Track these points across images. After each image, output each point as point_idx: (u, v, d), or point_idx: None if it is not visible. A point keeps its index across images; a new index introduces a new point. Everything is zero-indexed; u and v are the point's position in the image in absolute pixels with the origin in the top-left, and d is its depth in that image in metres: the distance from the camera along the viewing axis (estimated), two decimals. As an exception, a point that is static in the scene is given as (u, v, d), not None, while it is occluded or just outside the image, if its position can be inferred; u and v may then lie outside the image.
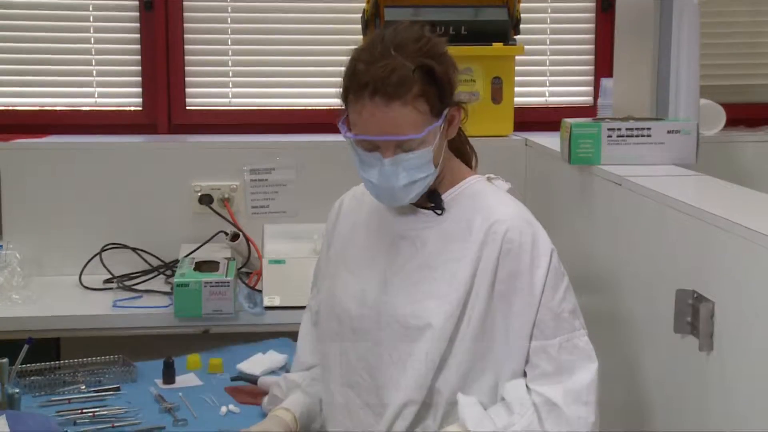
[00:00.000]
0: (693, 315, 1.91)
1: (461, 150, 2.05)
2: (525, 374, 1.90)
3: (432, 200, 1.94)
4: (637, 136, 2.53)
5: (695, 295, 1.91)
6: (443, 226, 1.93)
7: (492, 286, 1.88)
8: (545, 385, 1.86)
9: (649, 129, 2.53)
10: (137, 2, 3.47)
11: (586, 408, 1.85)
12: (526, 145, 3.29)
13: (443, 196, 1.95)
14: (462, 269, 1.89)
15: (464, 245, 1.90)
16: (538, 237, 1.90)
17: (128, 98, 3.50)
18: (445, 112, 1.87)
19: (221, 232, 3.17)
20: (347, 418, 2.00)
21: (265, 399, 2.31)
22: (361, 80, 1.81)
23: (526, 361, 1.89)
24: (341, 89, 1.87)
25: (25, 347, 2.26)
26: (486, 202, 1.94)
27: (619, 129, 2.53)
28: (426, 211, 1.95)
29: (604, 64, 3.54)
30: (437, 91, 1.84)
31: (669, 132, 2.53)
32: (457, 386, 1.89)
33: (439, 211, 1.94)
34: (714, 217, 1.89)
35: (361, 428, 1.97)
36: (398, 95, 1.80)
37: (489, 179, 2.03)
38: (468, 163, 2.06)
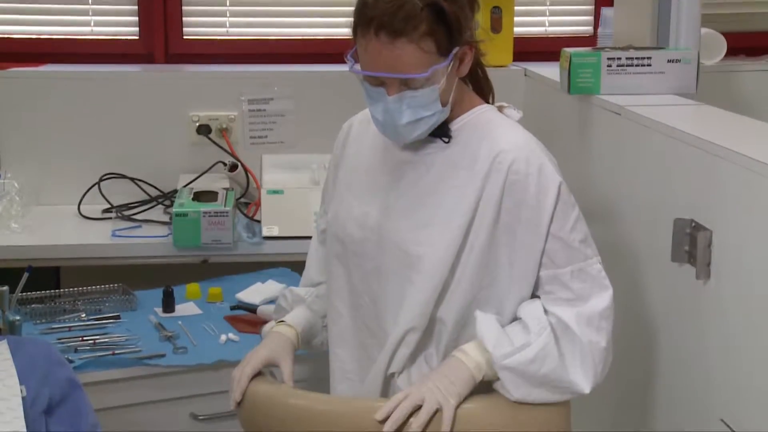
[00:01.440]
0: (691, 244, 1.92)
1: (479, 84, 2.01)
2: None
3: (439, 128, 1.93)
4: (637, 65, 2.52)
5: (693, 224, 1.92)
6: (449, 154, 1.92)
7: (496, 216, 1.87)
8: (559, 307, 1.85)
9: (649, 58, 2.52)
10: (133, -72, 3.42)
11: (597, 333, 1.84)
12: (525, 75, 3.27)
13: (451, 125, 1.93)
14: (465, 197, 1.88)
15: (469, 173, 1.89)
16: (544, 167, 1.88)
17: (125, 27, 3.46)
18: (455, 51, 1.84)
19: (219, 162, 3.16)
20: (353, 337, 2.01)
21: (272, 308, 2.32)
22: (368, 15, 1.79)
23: (538, 288, 1.88)
24: (352, 22, 1.86)
25: (25, 275, 2.27)
26: (493, 131, 1.92)
27: (619, 58, 2.52)
28: (433, 138, 1.94)
29: (604, -7, 3.51)
30: (446, 30, 1.81)
31: (669, 61, 2.52)
32: (459, 315, 1.89)
33: (445, 139, 1.93)
34: (713, 146, 1.89)
35: (363, 350, 1.99)
36: (404, 32, 1.78)
37: (500, 108, 2.00)
38: (484, 97, 2.02)
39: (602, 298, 1.87)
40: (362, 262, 1.96)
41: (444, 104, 1.86)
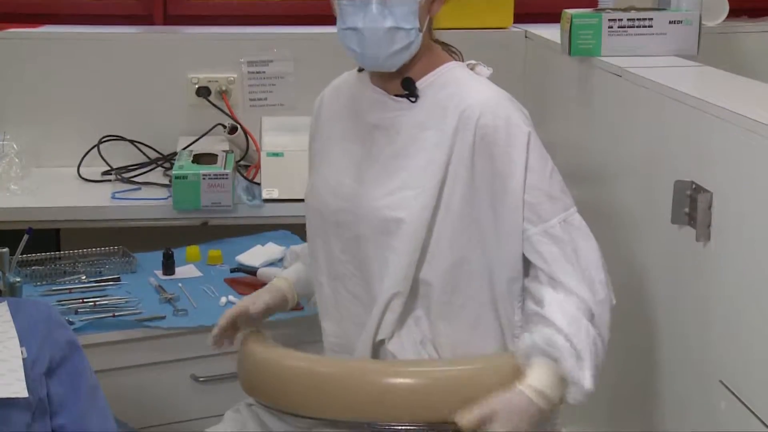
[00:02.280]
0: (691, 206, 1.92)
1: (446, 46, 2.00)
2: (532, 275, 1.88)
3: (406, 87, 1.92)
4: (638, 26, 2.50)
5: (693, 186, 1.91)
6: (416, 114, 1.90)
7: (470, 173, 1.85)
8: (565, 277, 1.83)
9: (650, 19, 2.51)
10: None
11: (602, 287, 1.84)
12: (525, 37, 3.25)
13: (418, 83, 1.91)
14: (436, 158, 1.86)
15: (437, 133, 1.87)
16: (512, 118, 1.85)
17: (123, -12, 3.44)
18: None
19: (219, 124, 3.15)
20: (336, 309, 2.01)
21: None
22: None
23: (529, 249, 1.86)
24: None
25: (25, 237, 2.27)
26: (460, 87, 1.89)
27: (620, 20, 2.50)
28: (400, 98, 1.91)
29: (606, -47, 3.48)
30: None
31: (671, 22, 2.51)
32: (446, 277, 1.88)
33: (413, 99, 1.90)
34: (714, 108, 1.88)
35: (350, 319, 1.98)
36: None
37: (471, 66, 1.99)
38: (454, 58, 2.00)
39: (592, 249, 1.86)
40: (342, 232, 1.96)
41: (420, 30, 1.85)
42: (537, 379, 1.79)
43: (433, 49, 1.95)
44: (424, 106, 1.90)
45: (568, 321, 1.80)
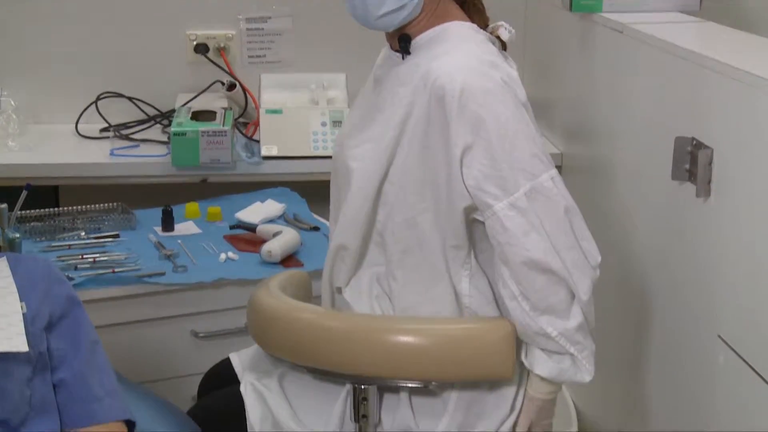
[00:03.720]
0: (691, 162, 1.91)
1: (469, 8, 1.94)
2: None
3: (401, 43, 1.88)
4: (640, -18, 2.49)
5: (694, 142, 1.91)
6: (400, 70, 1.88)
7: (425, 134, 1.81)
8: (536, 253, 1.77)
9: (652, -25, 2.49)
10: None
11: (570, 252, 1.78)
12: (526, -7, 3.23)
13: (415, 41, 1.88)
14: (398, 114, 1.84)
15: (405, 90, 1.84)
16: (468, 86, 1.76)
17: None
18: None
19: (217, 81, 3.14)
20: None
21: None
22: None
23: (498, 228, 1.79)
24: None
25: (24, 192, 2.27)
26: (441, 48, 1.84)
27: (622, -25, 2.48)
28: (396, 54, 1.91)
29: None
30: None
31: (673, -22, 2.49)
32: (400, 234, 1.86)
33: (402, 55, 1.88)
34: (715, 63, 1.87)
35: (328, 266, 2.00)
36: None
37: (494, 27, 1.94)
38: (471, 18, 1.93)
39: (555, 216, 1.77)
40: (335, 178, 2.00)
41: None
42: (543, 385, 1.87)
43: (442, 5, 1.88)
44: (408, 63, 1.88)
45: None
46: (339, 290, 1.97)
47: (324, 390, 1.94)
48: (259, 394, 1.96)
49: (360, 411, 1.88)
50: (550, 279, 1.78)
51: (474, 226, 1.87)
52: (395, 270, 1.89)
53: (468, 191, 1.80)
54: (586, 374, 1.84)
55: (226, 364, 2.13)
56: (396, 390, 1.89)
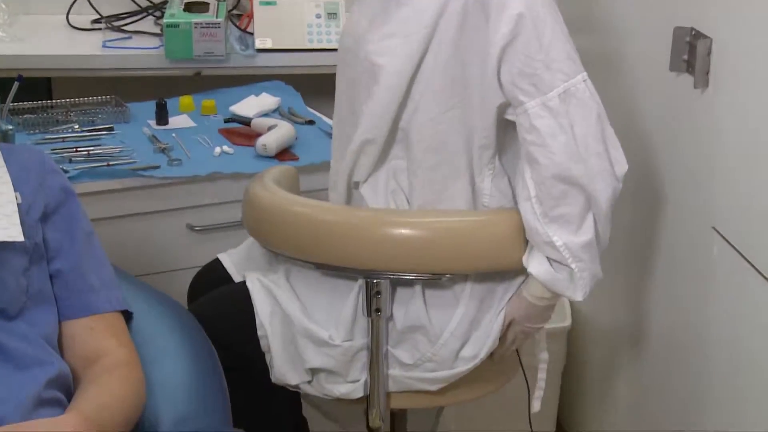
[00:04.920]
0: (690, 52, 1.89)
1: None
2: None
3: None
4: None
5: (693, 32, 1.88)
6: None
7: (461, 30, 1.78)
8: (559, 156, 1.76)
9: None
10: None
11: (598, 159, 1.77)
12: None
13: None
14: (431, 7, 1.80)
15: None
16: None
17: None
18: None
19: (211, -29, 3.08)
20: (336, 148, 2.02)
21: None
22: None
23: (527, 126, 1.78)
24: None
25: (16, 84, 2.24)
26: None
27: None
28: None
29: None
30: None
31: None
32: (426, 130, 1.85)
33: None
34: (717, -49, 1.84)
35: (341, 159, 1.98)
36: None
37: None
38: None
39: (588, 122, 1.77)
40: (346, 71, 1.95)
41: None
42: (535, 287, 1.87)
43: None
44: None
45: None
46: (357, 185, 1.95)
47: (333, 286, 1.94)
48: (268, 290, 1.96)
49: (373, 305, 1.88)
50: (569, 189, 1.78)
51: (503, 127, 1.86)
52: (417, 168, 1.88)
53: (502, 88, 1.79)
54: (579, 293, 1.83)
55: (211, 266, 2.13)
56: (409, 284, 1.89)
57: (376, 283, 1.87)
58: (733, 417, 1.81)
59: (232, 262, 2.13)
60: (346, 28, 2.00)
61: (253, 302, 1.95)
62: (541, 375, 2.06)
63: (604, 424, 2.52)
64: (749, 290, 1.71)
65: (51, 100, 2.64)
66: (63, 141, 2.44)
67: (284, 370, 1.95)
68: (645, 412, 2.25)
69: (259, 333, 1.95)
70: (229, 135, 2.58)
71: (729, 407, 1.83)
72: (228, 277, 2.12)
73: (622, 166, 1.81)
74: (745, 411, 1.76)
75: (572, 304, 2.66)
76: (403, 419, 2.15)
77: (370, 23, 1.89)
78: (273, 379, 1.98)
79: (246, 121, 2.61)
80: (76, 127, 2.52)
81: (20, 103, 2.50)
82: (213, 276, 2.14)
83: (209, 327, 1.81)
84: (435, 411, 2.34)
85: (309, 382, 1.96)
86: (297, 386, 1.97)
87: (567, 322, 2.62)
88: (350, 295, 1.91)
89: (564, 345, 2.65)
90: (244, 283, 2.00)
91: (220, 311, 2.01)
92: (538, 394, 2.06)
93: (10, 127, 2.21)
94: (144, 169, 2.33)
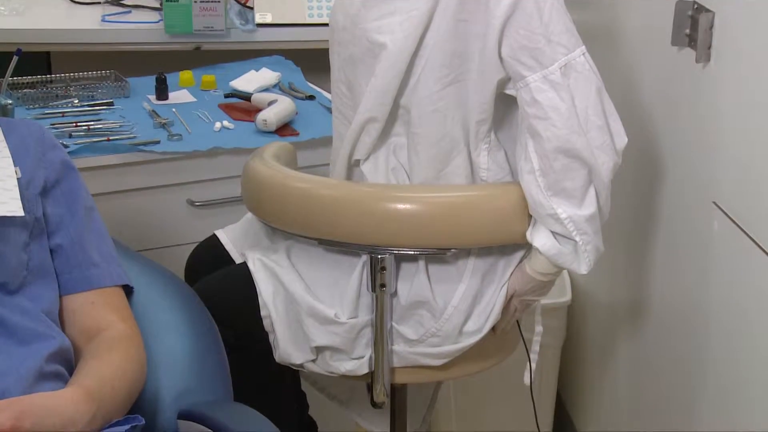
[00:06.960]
0: (692, 26, 1.88)
1: None
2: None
3: None
4: None
5: (695, 6, 1.87)
6: None
7: (459, 9, 1.78)
8: (561, 129, 1.76)
9: None
10: None
11: (599, 132, 1.77)
12: None
13: None
14: None
15: None
16: None
17: None
18: None
19: (210, -55, 3.06)
20: (334, 128, 2.02)
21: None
22: None
23: (529, 100, 1.78)
24: None
25: (15, 58, 2.24)
26: None
27: None
28: None
29: None
30: None
31: None
32: (426, 106, 1.84)
33: None
34: (720, -76, 1.82)
35: (339, 138, 1.99)
36: None
37: None
38: None
39: (588, 93, 1.77)
40: (341, 50, 1.94)
41: None
42: (539, 263, 1.87)
43: None
44: None
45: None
46: (357, 162, 1.95)
47: (336, 263, 1.93)
48: (270, 270, 1.96)
49: (377, 281, 1.88)
50: (571, 163, 1.78)
51: (500, 102, 1.86)
52: (417, 145, 1.88)
53: (502, 63, 1.79)
54: (584, 265, 1.84)
55: (209, 243, 2.13)
56: (413, 259, 1.89)
57: (381, 259, 1.87)
58: (733, 391, 1.81)
59: (229, 238, 2.13)
60: (336, 6, 1.98)
61: (255, 283, 1.95)
62: (535, 347, 2.07)
63: (604, 398, 2.53)
64: (749, 265, 1.71)
65: (50, 74, 2.63)
66: (63, 116, 2.44)
67: (289, 350, 1.95)
68: (645, 386, 2.26)
69: (262, 313, 1.95)
70: (229, 110, 2.57)
71: (729, 381, 1.83)
72: (226, 254, 2.12)
73: (621, 140, 1.82)
74: (746, 385, 1.76)
75: (572, 279, 2.66)
76: (403, 393, 2.16)
77: (363, 1, 1.88)
78: (277, 359, 1.98)
79: (246, 96, 2.61)
80: (76, 101, 2.52)
81: (19, 78, 2.49)
82: (211, 253, 2.14)
83: (212, 308, 1.80)
84: (433, 385, 2.34)
85: (313, 360, 1.96)
86: (301, 365, 1.97)
87: (567, 298, 2.63)
88: (354, 272, 1.91)
89: (564, 320, 2.65)
90: (245, 263, 2.00)
91: (222, 293, 2.00)
92: (532, 364, 2.06)
93: (10, 101, 2.21)
94: (144, 144, 2.33)
